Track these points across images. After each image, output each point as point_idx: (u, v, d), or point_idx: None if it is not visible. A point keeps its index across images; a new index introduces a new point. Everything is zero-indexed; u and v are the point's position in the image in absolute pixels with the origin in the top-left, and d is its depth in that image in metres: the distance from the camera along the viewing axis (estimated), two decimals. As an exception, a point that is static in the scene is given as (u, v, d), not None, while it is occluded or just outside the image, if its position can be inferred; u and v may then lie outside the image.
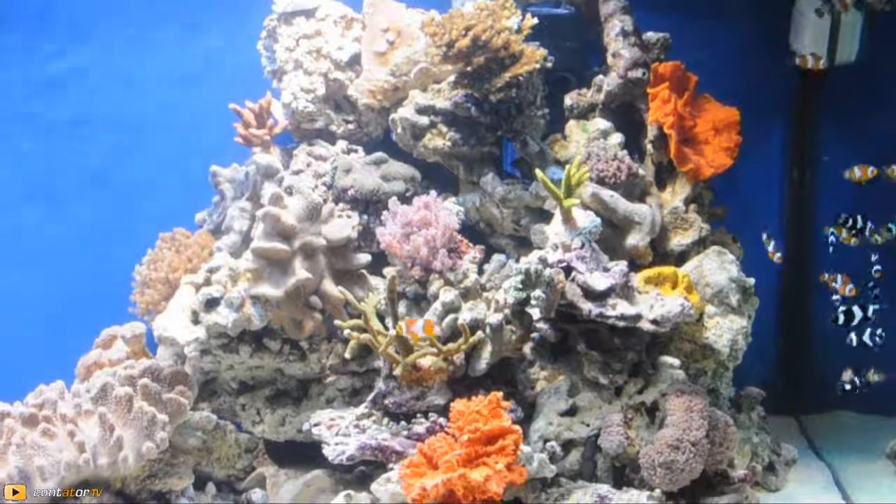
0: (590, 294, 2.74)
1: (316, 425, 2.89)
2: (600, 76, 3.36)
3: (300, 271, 2.88)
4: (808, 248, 3.70)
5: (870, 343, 3.12)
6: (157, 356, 3.05)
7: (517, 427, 2.48)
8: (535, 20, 3.15)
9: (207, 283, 2.99)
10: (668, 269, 2.95)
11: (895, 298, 3.20)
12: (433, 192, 3.11)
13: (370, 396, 2.89)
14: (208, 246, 3.31)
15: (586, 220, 2.90)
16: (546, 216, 3.15)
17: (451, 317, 2.88)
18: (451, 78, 3.27)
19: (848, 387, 3.16)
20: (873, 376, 3.17)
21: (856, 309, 3.14)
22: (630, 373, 2.85)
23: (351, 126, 3.51)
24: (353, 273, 3.08)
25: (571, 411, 2.84)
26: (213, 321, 2.89)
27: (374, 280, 3.13)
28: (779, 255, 3.31)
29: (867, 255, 3.24)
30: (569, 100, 3.42)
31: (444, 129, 3.23)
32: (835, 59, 3.35)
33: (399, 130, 3.34)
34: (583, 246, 2.82)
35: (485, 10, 3.11)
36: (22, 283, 3.59)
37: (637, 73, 3.25)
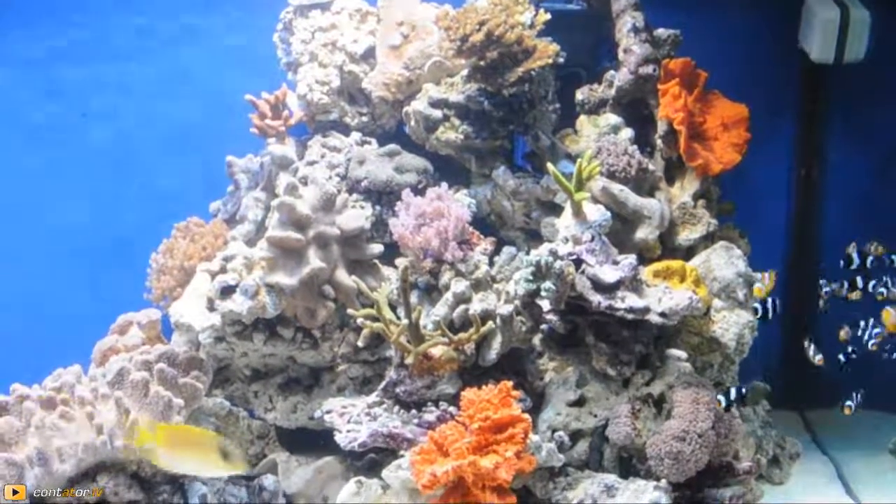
0: (599, 286, 2.77)
1: (328, 412, 2.92)
2: (611, 72, 3.39)
3: (314, 261, 2.92)
4: (815, 244, 3.73)
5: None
6: (172, 342, 3.08)
7: (527, 416, 2.52)
8: (548, 16, 3.18)
9: (223, 270, 3.02)
10: (676, 263, 2.98)
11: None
12: (444, 185, 3.14)
13: (381, 385, 2.92)
14: (222, 235, 3.35)
15: (596, 213, 2.93)
16: (557, 209, 3.19)
17: (462, 307, 2.91)
18: (465, 72, 3.30)
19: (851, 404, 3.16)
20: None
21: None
22: (638, 365, 2.87)
23: (365, 118, 3.55)
24: (365, 263, 3.12)
25: (579, 402, 2.87)
26: (229, 308, 2.92)
27: (386, 270, 3.16)
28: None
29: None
30: (580, 95, 3.45)
31: (457, 122, 3.26)
32: (844, 57, 3.37)
33: (412, 123, 3.37)
34: (593, 239, 2.85)
35: (498, 5, 3.14)
36: (39, 269, 3.63)
37: (648, 70, 3.27)
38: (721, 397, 2.78)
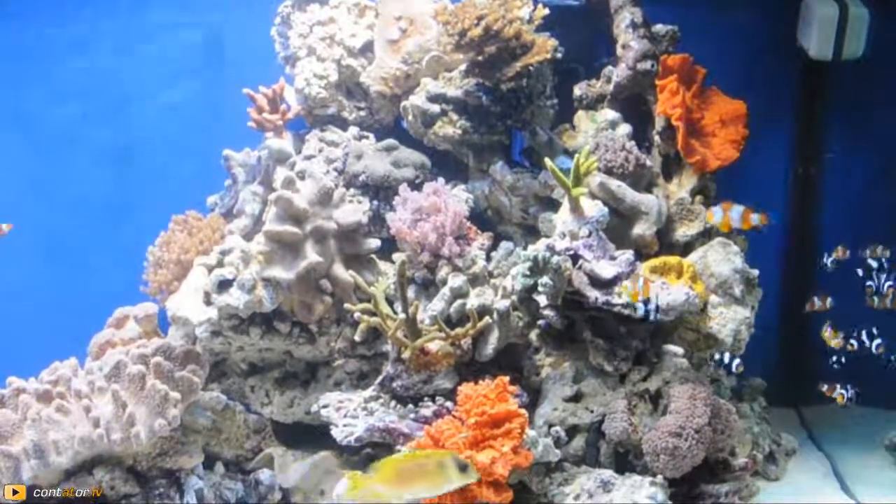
0: (596, 282, 2.77)
1: (324, 407, 2.93)
2: (609, 67, 3.39)
3: (311, 255, 2.92)
4: (812, 241, 3.73)
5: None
6: (169, 336, 3.08)
7: (523, 411, 2.53)
8: (547, 11, 3.18)
9: (220, 264, 3.02)
10: (673, 259, 2.98)
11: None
12: (441, 180, 3.14)
13: (378, 379, 2.93)
14: (220, 229, 3.34)
15: (594, 209, 2.93)
16: (554, 205, 3.18)
17: (459, 302, 2.91)
18: (463, 67, 3.29)
19: (844, 392, 3.17)
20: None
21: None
22: (634, 360, 2.89)
23: (362, 112, 3.54)
24: (362, 258, 3.12)
25: (576, 397, 2.88)
26: (225, 302, 2.92)
27: (383, 265, 3.16)
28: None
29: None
30: (578, 90, 3.44)
31: (455, 117, 3.26)
32: (842, 54, 3.37)
33: (410, 118, 3.36)
34: (590, 234, 2.86)
35: (497, -1, 3.14)
36: (36, 263, 3.63)
37: (646, 65, 3.27)
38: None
